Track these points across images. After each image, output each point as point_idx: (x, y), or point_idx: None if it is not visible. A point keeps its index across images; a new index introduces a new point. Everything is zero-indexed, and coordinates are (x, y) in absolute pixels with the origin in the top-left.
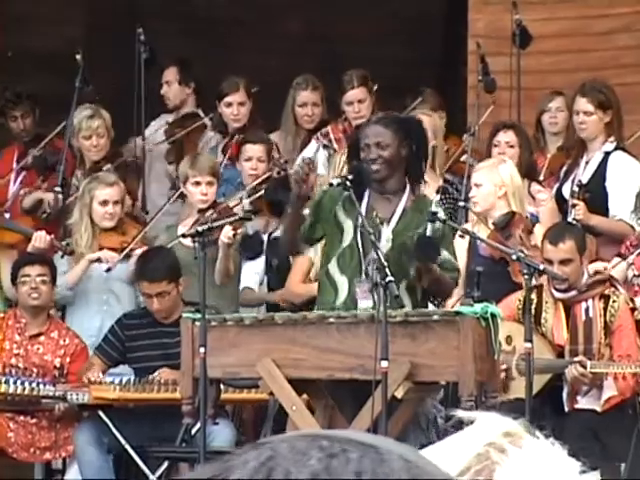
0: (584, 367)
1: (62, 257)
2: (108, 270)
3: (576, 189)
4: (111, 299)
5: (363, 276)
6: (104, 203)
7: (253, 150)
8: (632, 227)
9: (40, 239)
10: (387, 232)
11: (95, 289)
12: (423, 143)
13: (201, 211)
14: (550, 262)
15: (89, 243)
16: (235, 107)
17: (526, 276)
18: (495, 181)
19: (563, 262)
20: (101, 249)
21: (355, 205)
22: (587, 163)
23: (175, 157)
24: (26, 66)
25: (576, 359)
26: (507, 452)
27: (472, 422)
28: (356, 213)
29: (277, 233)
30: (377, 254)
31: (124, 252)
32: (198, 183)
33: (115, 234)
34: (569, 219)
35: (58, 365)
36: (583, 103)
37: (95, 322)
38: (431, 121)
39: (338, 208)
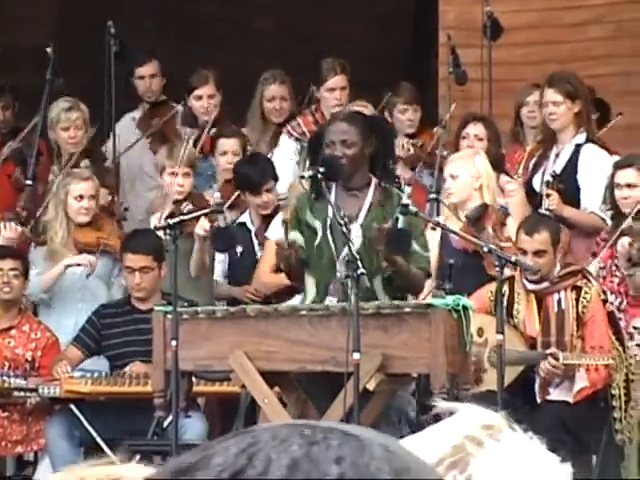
0: (556, 359)
1: (35, 247)
2: (88, 275)
3: (550, 179)
4: (87, 296)
5: (337, 275)
6: (79, 198)
7: (228, 144)
8: (603, 220)
9: (10, 228)
10: (356, 228)
11: (71, 286)
12: (389, 141)
13: (176, 202)
14: (524, 252)
15: (64, 239)
16: (205, 100)
17: (497, 268)
18: (472, 172)
19: (537, 253)
20: (76, 245)
21: (324, 199)
22: (557, 155)
23: (161, 144)
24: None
25: (548, 351)
26: (484, 445)
27: (452, 413)
28: (323, 211)
29: (241, 219)
30: (348, 246)
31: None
32: (174, 174)
33: (91, 229)
34: (542, 209)
35: (29, 359)
36: (551, 94)
37: (70, 319)
38: (368, 112)
39: (307, 213)
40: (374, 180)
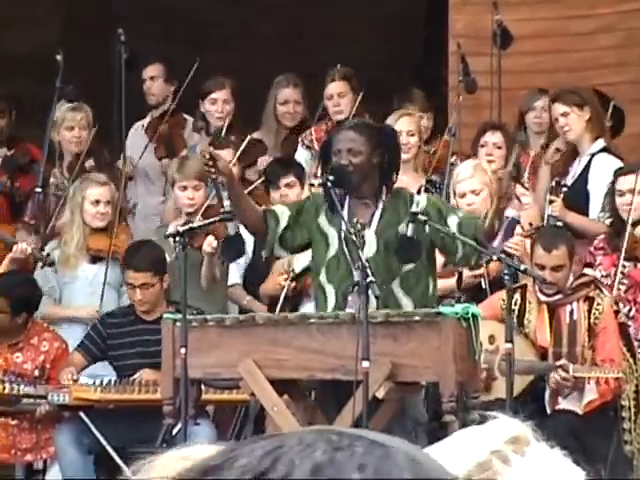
0: (566, 371)
1: (42, 267)
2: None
3: (554, 185)
4: (97, 303)
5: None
6: (96, 203)
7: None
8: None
9: (21, 251)
10: (370, 235)
11: (81, 293)
12: (396, 154)
13: (190, 214)
14: (542, 268)
15: (80, 244)
16: (220, 105)
17: (507, 277)
18: (487, 182)
19: (555, 268)
20: (88, 250)
21: (337, 211)
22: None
23: (166, 152)
24: (4, 68)
25: (558, 363)
26: (510, 462)
27: (480, 422)
28: (338, 220)
29: None
30: (358, 254)
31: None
32: (185, 187)
33: (105, 236)
34: (546, 214)
35: (38, 372)
36: (558, 107)
37: (80, 326)
38: (414, 120)
39: (321, 217)
40: (384, 189)
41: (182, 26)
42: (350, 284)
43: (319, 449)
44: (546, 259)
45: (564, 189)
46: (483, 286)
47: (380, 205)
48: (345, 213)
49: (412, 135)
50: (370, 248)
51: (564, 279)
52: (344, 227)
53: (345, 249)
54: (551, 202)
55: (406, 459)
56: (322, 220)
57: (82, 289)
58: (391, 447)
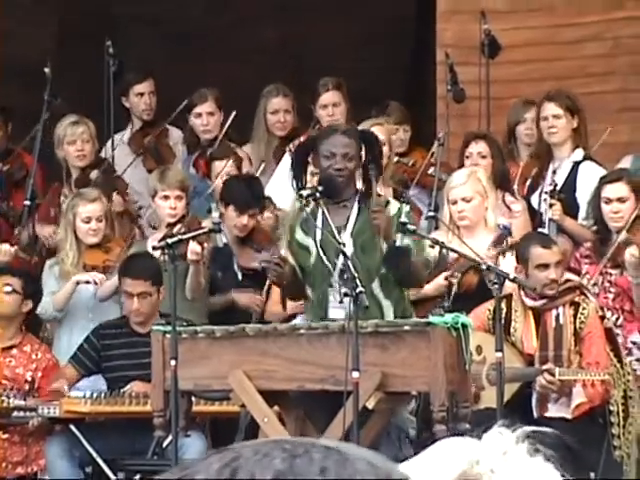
0: (552, 375)
1: (50, 268)
2: (97, 296)
3: (550, 188)
4: (97, 316)
5: (335, 285)
6: (87, 220)
7: (222, 166)
8: None
9: (4, 253)
10: (346, 238)
11: (82, 306)
12: (379, 155)
13: (169, 225)
14: (546, 266)
15: (75, 260)
16: (204, 117)
17: (496, 285)
18: (481, 192)
19: (559, 263)
20: (84, 267)
21: (315, 219)
22: (554, 172)
23: (156, 163)
24: None
25: (544, 367)
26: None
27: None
28: (314, 229)
29: (224, 239)
30: (346, 265)
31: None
32: (167, 197)
33: (99, 252)
34: (547, 218)
35: (29, 379)
36: (552, 107)
37: (81, 338)
38: (384, 130)
39: (297, 233)
40: (359, 188)
41: (180, 33)
42: (328, 287)
43: (277, 457)
44: (549, 256)
45: (561, 195)
46: (451, 295)
47: (355, 207)
48: (319, 218)
49: (382, 145)
50: (347, 251)
51: (562, 275)
52: (319, 232)
53: (322, 255)
54: (551, 206)
55: (364, 463)
56: (299, 235)
57: (84, 302)
58: (347, 452)
